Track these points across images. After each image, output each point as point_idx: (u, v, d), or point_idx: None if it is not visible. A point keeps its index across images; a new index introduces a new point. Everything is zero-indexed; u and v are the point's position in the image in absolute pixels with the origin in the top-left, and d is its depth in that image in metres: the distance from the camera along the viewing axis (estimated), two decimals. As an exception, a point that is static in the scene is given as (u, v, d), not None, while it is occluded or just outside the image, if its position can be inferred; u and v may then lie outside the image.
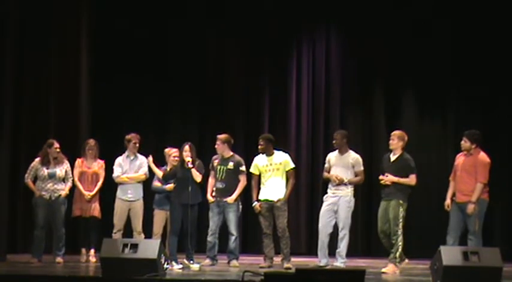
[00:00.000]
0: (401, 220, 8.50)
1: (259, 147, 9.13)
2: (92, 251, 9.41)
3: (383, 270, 8.45)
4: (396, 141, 8.72)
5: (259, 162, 9.17)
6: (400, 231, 8.47)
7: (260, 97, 12.07)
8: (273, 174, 9.07)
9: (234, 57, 12.17)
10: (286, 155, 9.26)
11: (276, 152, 9.18)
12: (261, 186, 9.15)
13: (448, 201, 8.54)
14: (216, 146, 9.24)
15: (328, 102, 11.90)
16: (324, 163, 9.18)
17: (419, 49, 11.50)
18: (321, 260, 8.83)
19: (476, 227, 8.33)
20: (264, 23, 11.95)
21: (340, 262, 8.74)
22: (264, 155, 9.15)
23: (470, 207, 8.29)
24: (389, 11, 11.59)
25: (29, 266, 8.70)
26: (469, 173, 8.40)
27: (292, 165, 9.16)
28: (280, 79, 12.06)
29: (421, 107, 11.71)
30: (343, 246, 8.78)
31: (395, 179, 8.57)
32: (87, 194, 9.40)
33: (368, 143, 11.61)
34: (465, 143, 8.51)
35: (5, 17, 10.02)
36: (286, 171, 9.11)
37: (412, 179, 8.60)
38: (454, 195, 8.55)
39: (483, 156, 8.48)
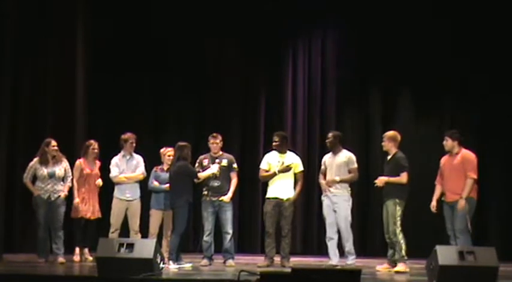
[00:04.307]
0: (398, 219, 8.56)
1: (274, 144, 9.18)
2: (86, 250, 9.39)
3: (395, 269, 8.50)
4: (387, 143, 8.84)
5: (271, 159, 9.20)
6: (398, 230, 8.53)
7: (256, 98, 12.07)
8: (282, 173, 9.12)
9: (231, 57, 12.17)
10: (298, 157, 9.35)
11: (288, 152, 9.26)
12: (269, 184, 9.19)
13: (433, 203, 8.65)
14: (211, 143, 9.21)
15: (324, 103, 11.91)
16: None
17: (416, 50, 11.48)
18: (333, 259, 8.90)
19: (465, 225, 8.37)
20: (261, 24, 11.93)
21: (351, 260, 8.85)
22: (275, 152, 9.18)
23: (462, 203, 8.36)
24: (387, 12, 11.57)
25: (31, 265, 8.68)
26: (457, 171, 8.50)
27: (302, 168, 9.26)
28: (277, 80, 12.08)
29: (417, 107, 11.72)
30: (349, 245, 8.89)
31: (386, 179, 8.65)
32: (76, 202, 9.27)
33: (364, 144, 11.61)
34: (447, 142, 8.66)
35: (4, 17, 10.05)
36: (295, 173, 9.17)
37: (402, 177, 8.63)
38: (442, 196, 8.64)
39: (468, 153, 8.61)
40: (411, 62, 11.50)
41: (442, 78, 11.54)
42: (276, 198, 9.10)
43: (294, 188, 9.18)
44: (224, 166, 9.12)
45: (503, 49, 11.25)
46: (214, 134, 9.29)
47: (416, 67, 11.51)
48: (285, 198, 9.08)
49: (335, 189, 8.94)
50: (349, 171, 8.99)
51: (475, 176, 8.47)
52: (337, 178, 8.91)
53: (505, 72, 11.27)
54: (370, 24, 11.65)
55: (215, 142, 9.22)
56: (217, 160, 9.13)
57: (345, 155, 9.04)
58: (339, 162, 8.98)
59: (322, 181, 9.06)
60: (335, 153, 9.06)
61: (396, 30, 11.58)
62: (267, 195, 9.20)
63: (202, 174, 8.92)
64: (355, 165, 9.02)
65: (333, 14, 11.95)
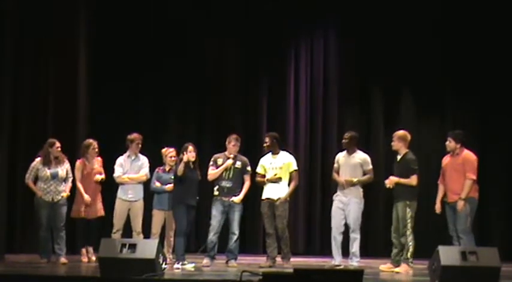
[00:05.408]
0: (409, 220, 8.53)
1: (265, 145, 9.20)
2: (90, 249, 9.39)
3: (396, 270, 8.51)
4: (396, 142, 8.77)
5: (264, 162, 9.24)
6: (409, 232, 8.52)
7: (258, 98, 12.06)
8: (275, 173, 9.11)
9: (232, 57, 12.16)
10: (291, 156, 9.31)
11: (281, 152, 9.24)
12: (264, 185, 9.19)
13: (438, 204, 8.66)
14: (232, 145, 9.14)
15: (326, 103, 11.91)
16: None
17: (417, 49, 11.50)
18: (336, 259, 8.89)
19: (467, 225, 8.38)
20: (263, 23, 11.94)
21: (355, 262, 8.82)
22: (270, 154, 9.20)
23: (460, 204, 8.38)
24: (388, 12, 11.58)
25: (33, 266, 8.68)
26: (458, 172, 8.51)
27: (295, 167, 9.22)
28: (278, 79, 12.06)
29: (419, 107, 11.73)
30: (356, 246, 8.86)
31: (396, 179, 8.62)
32: (87, 199, 9.28)
33: (366, 144, 11.59)
34: (450, 143, 8.64)
35: (4, 17, 10.04)
36: (289, 172, 9.15)
37: (412, 179, 8.62)
38: (444, 196, 8.64)
39: (469, 153, 8.60)
40: (414, 63, 11.51)
41: (442, 78, 11.54)
42: (269, 199, 9.12)
43: (289, 187, 9.16)
44: (238, 168, 9.11)
45: (503, 49, 11.26)
46: (236, 136, 9.22)
47: (416, 67, 11.51)
48: (275, 198, 9.07)
49: (348, 190, 8.92)
50: (365, 173, 8.96)
51: (474, 177, 8.46)
52: (355, 179, 8.88)
53: (505, 72, 11.28)
54: (370, 24, 11.64)
55: (236, 144, 9.18)
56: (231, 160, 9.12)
57: (360, 156, 9.00)
58: (353, 163, 8.96)
59: (340, 179, 8.96)
60: (350, 153, 9.03)
61: (396, 30, 11.59)
62: (262, 197, 9.22)
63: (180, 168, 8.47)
64: (371, 167, 8.98)
65: (333, 14, 11.96)
